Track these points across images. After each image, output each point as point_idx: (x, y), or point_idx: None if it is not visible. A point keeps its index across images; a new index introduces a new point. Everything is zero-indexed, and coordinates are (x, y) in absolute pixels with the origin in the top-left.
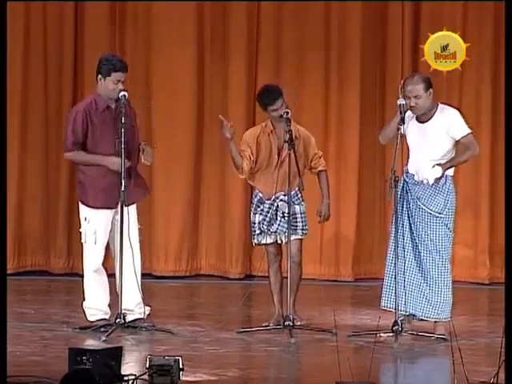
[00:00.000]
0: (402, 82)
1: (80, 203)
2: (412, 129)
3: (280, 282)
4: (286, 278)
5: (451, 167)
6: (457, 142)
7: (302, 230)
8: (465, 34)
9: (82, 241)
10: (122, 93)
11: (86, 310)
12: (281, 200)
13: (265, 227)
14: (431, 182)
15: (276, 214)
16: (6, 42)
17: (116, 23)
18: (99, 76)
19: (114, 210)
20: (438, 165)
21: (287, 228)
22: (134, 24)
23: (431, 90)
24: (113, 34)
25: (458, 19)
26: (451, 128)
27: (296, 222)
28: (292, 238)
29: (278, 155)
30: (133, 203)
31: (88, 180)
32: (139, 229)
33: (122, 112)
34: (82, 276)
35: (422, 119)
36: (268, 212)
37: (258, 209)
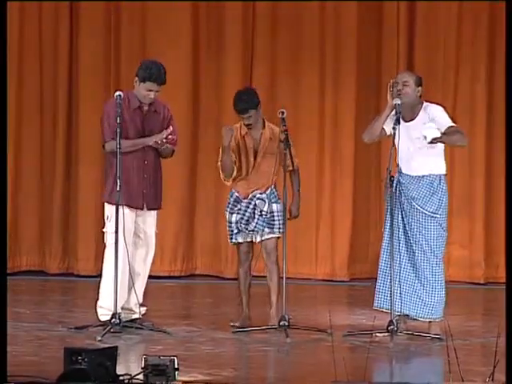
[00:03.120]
0: (392, 81)
1: (105, 204)
2: (396, 133)
3: (249, 283)
4: (286, 278)
5: (442, 142)
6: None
7: (279, 228)
8: (460, 33)
9: (105, 241)
10: (118, 92)
11: (98, 309)
12: (258, 198)
13: (242, 226)
14: (428, 139)
15: (254, 213)
16: (6, 42)
17: (111, 23)
18: (136, 78)
19: (136, 212)
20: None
21: (264, 226)
22: (129, 24)
23: (420, 89)
24: (108, 35)
25: (453, 19)
26: (436, 121)
27: (273, 220)
28: (269, 236)
29: (255, 157)
30: (151, 209)
31: (113, 179)
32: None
33: (118, 112)
34: (101, 275)
35: (406, 118)
36: (245, 211)
37: (235, 208)
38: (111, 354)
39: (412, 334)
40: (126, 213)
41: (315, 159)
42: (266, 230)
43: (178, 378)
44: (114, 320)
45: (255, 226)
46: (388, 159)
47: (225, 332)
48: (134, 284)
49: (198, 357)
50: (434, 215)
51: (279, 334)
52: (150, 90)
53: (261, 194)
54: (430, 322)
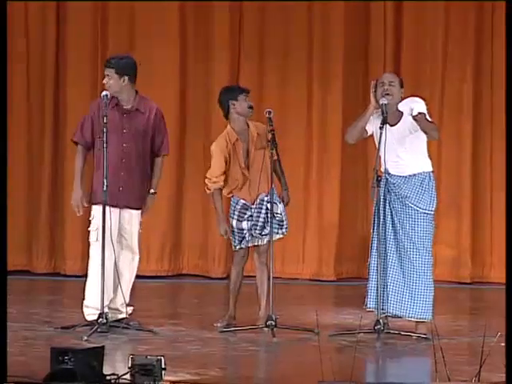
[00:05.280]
0: (373, 82)
1: (92, 204)
2: (383, 133)
3: (240, 283)
4: (273, 278)
5: (420, 123)
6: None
7: (286, 228)
8: (447, 32)
9: (89, 239)
10: (104, 92)
11: (84, 309)
12: (268, 202)
13: (257, 232)
14: (415, 112)
15: (267, 217)
16: (6, 42)
17: (98, 23)
18: None
19: (120, 211)
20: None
21: (278, 228)
22: (117, 23)
23: (403, 90)
24: (95, 34)
25: (440, 18)
26: (412, 106)
27: (282, 220)
28: (278, 237)
29: (248, 161)
30: (129, 208)
31: (96, 178)
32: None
33: (105, 112)
34: (86, 275)
35: (391, 122)
36: (258, 217)
37: (245, 215)
38: (98, 353)
39: (399, 334)
40: (110, 213)
41: (302, 159)
42: (280, 231)
43: (165, 377)
44: (100, 320)
45: (271, 230)
46: (375, 159)
47: (212, 332)
48: (120, 283)
49: (184, 356)
50: (427, 212)
51: (266, 333)
52: (105, 76)
53: (267, 196)
54: (416, 321)
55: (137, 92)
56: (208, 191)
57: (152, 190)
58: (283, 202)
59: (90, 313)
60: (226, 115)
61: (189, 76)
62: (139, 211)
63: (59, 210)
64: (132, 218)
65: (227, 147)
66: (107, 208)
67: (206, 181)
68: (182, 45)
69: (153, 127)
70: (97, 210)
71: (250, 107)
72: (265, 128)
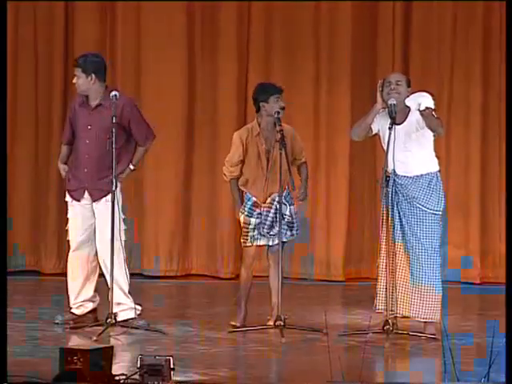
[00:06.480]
0: (380, 81)
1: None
2: (392, 134)
3: (250, 284)
4: (282, 278)
5: (426, 119)
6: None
7: (297, 230)
8: (455, 33)
9: None
10: (113, 92)
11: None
12: (278, 202)
13: (265, 231)
14: (422, 107)
15: (276, 217)
16: (6, 42)
17: (106, 23)
18: None
19: (84, 204)
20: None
21: (286, 229)
22: (124, 24)
23: (410, 90)
24: (103, 34)
25: (448, 19)
26: (420, 100)
27: (293, 222)
28: (289, 239)
29: (268, 159)
30: (94, 201)
31: (69, 176)
32: (124, 229)
33: (114, 111)
34: None
35: (397, 121)
36: (267, 216)
37: (254, 212)
38: (107, 353)
39: (407, 334)
40: (75, 206)
41: (310, 159)
42: (288, 232)
43: (174, 377)
44: (109, 320)
45: (279, 230)
46: (383, 160)
47: (220, 332)
48: (121, 280)
49: (193, 357)
50: (436, 212)
51: (275, 333)
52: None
53: (279, 196)
54: (425, 322)
55: (106, 87)
56: (225, 178)
57: (131, 167)
58: (302, 197)
59: (72, 306)
60: (257, 111)
61: (196, 76)
62: (107, 204)
63: (67, 210)
64: (103, 208)
65: (247, 139)
66: (75, 203)
67: (224, 168)
68: (189, 45)
69: (123, 120)
70: (68, 208)
71: (282, 108)
72: (291, 131)
